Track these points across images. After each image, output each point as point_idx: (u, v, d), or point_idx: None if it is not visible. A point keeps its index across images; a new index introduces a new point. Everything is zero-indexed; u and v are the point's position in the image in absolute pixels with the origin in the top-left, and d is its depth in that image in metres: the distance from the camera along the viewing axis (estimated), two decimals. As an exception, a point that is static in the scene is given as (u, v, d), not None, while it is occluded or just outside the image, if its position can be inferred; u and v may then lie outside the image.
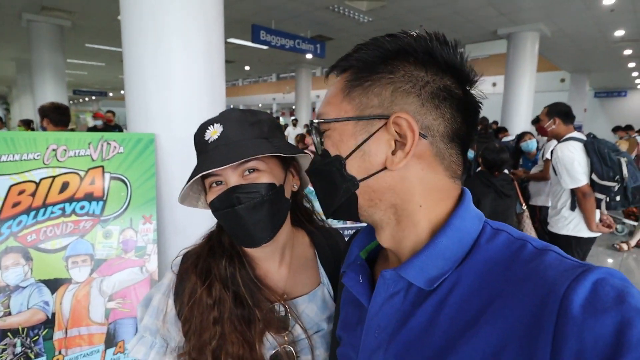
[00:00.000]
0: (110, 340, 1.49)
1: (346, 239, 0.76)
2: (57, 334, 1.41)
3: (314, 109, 13.54)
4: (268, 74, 15.77)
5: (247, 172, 0.60)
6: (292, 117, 11.34)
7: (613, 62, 9.90)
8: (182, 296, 0.64)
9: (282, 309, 0.65)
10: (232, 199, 0.59)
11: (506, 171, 2.75)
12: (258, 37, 6.12)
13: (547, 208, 3.25)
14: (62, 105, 2.83)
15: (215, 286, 0.62)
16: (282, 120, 13.72)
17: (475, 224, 0.43)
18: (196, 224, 0.67)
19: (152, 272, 1.60)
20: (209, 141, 0.61)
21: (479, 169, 2.75)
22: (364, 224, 0.53)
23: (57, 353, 1.40)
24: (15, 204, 1.40)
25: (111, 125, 6.60)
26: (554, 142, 3.05)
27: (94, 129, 5.94)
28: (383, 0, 5.42)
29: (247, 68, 13.50)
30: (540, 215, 3.39)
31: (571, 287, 0.32)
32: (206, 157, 0.60)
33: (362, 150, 0.43)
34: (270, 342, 0.62)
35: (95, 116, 6.49)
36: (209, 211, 0.64)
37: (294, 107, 11.88)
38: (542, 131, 2.83)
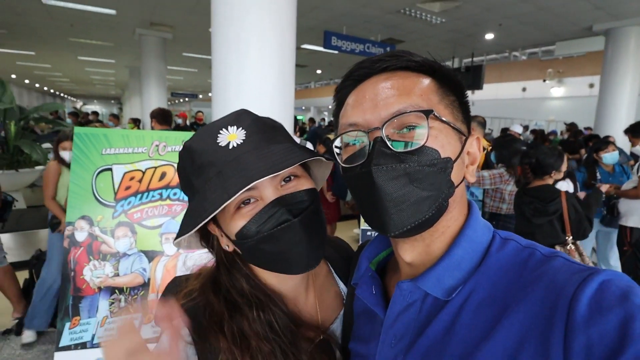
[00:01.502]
0: (189, 304, 1.79)
1: None
2: (151, 296, 1.74)
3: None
4: (339, 77, 16.05)
5: (283, 182, 0.52)
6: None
7: None
8: None
9: (324, 343, 0.58)
10: (282, 213, 0.49)
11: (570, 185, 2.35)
12: (329, 42, 6.35)
13: (639, 230, 2.86)
14: (165, 110, 3.75)
15: (254, 348, 0.51)
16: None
17: (486, 233, 0.46)
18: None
19: (224, 253, 1.87)
20: (230, 147, 0.49)
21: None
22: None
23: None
24: (127, 188, 1.77)
25: (201, 124, 7.71)
26: None
27: (177, 126, 6.99)
28: (457, 1, 5.22)
29: (318, 72, 13.97)
30: (631, 239, 2.97)
31: (580, 289, 0.34)
32: (237, 167, 0.47)
33: (462, 157, 0.45)
34: None
35: (178, 115, 7.65)
36: None
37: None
38: None
